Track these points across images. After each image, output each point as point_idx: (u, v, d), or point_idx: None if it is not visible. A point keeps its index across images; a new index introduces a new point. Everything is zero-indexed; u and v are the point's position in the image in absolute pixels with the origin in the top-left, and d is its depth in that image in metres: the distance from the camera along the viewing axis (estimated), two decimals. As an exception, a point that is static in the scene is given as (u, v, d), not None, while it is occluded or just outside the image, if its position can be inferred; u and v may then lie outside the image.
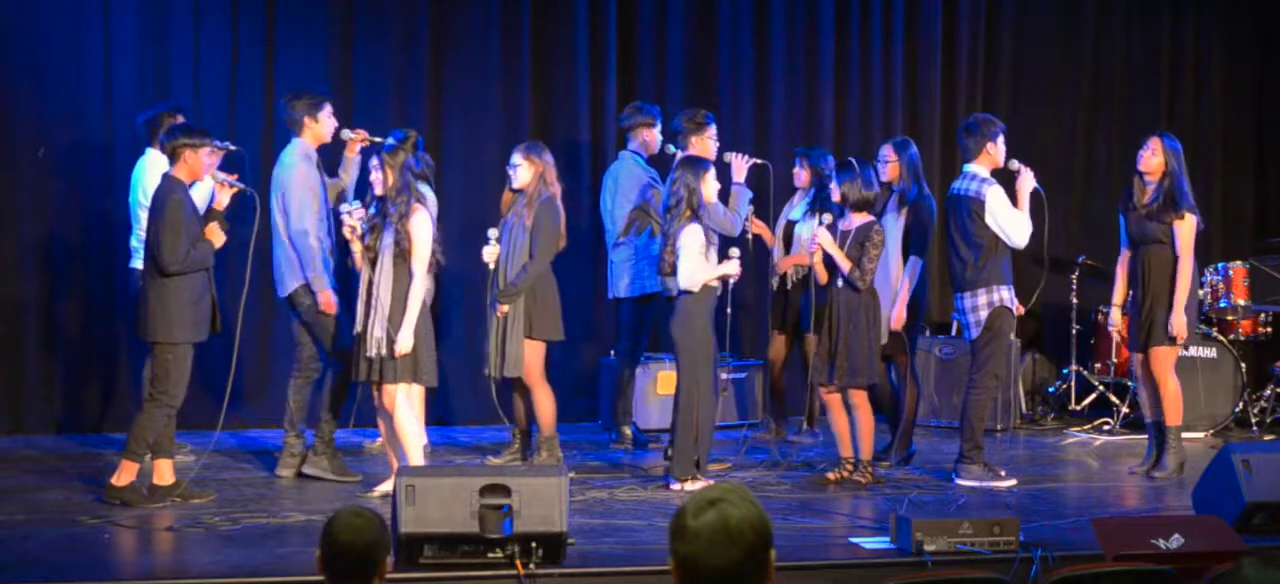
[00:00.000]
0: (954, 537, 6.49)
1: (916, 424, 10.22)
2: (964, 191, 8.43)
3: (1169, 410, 8.65)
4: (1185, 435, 8.91)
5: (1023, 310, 8.76)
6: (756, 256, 10.01)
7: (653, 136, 9.45)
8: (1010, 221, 8.32)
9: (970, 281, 8.38)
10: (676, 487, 8.12)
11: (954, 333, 10.71)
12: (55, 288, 10.05)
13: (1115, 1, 12.00)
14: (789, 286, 9.50)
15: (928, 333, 10.71)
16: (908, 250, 8.78)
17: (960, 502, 7.84)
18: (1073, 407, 10.91)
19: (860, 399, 8.25)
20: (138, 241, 8.50)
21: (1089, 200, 11.94)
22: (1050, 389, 11.23)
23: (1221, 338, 10.40)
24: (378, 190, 7.76)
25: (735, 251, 8.20)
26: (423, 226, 7.66)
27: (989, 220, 8.31)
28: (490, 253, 8.59)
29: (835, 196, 8.32)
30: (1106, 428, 10.46)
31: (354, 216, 7.81)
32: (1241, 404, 10.38)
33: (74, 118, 10.01)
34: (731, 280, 8.27)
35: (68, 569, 6.41)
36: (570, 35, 10.82)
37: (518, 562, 6.16)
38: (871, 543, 6.83)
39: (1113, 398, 10.69)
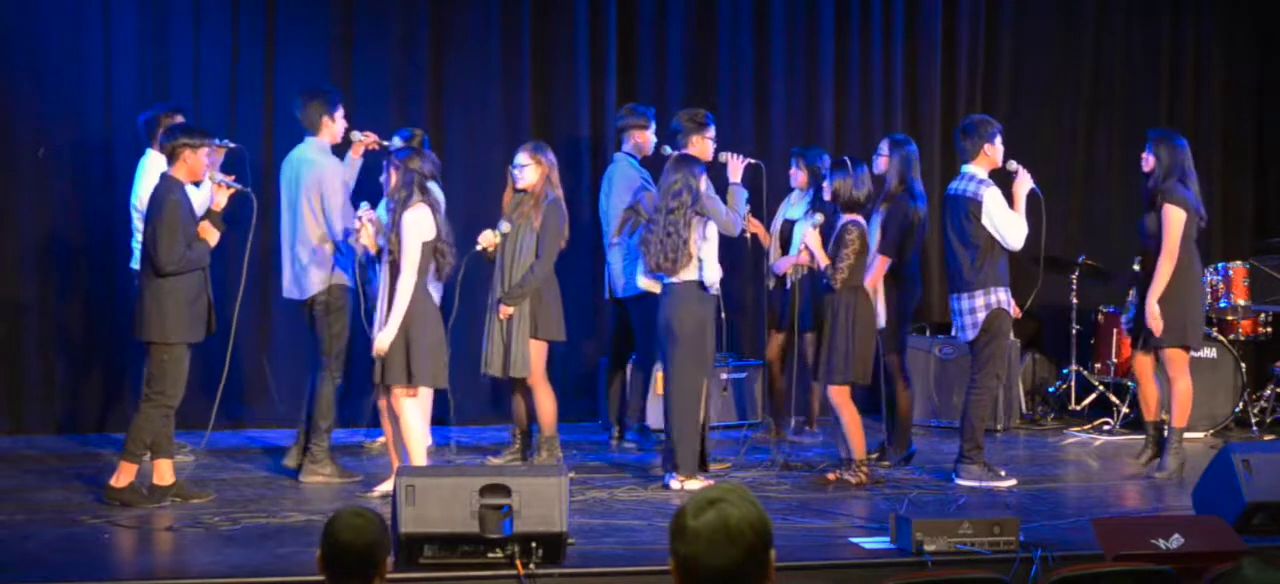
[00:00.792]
0: (954, 537, 6.50)
1: (917, 424, 10.25)
2: (961, 192, 8.43)
3: (1177, 411, 8.65)
4: (1185, 435, 8.90)
5: (1019, 313, 8.76)
6: (754, 256, 10.01)
7: (646, 138, 9.46)
8: (1006, 223, 8.32)
9: (966, 283, 8.38)
10: (676, 484, 8.12)
11: (953, 333, 10.70)
12: (55, 288, 10.05)
13: (1115, 1, 12.00)
14: (789, 286, 9.50)
15: (928, 333, 10.71)
16: (880, 248, 8.72)
17: (960, 502, 7.84)
18: (1073, 407, 10.91)
19: (841, 398, 8.24)
20: (138, 242, 8.50)
21: (1089, 200, 11.94)
22: (1050, 389, 11.22)
23: (1221, 338, 10.40)
24: (386, 192, 7.77)
25: (738, 225, 8.29)
26: (413, 223, 7.59)
27: (985, 222, 8.31)
28: (489, 238, 8.56)
29: (826, 195, 8.33)
30: (1106, 428, 10.46)
31: (365, 219, 7.79)
32: (1241, 404, 10.38)
33: (74, 118, 10.01)
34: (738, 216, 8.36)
35: (68, 569, 6.41)
36: (570, 35, 10.82)
37: (518, 562, 6.16)
38: (871, 543, 6.83)
39: (1113, 398, 10.69)
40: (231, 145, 8.59)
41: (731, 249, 8.42)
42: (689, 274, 8.10)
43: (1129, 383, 10.41)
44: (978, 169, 8.45)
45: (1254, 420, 10.39)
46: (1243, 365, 10.38)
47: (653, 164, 9.56)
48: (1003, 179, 8.54)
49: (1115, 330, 10.58)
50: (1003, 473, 8.52)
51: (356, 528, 4.04)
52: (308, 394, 8.45)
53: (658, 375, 9.84)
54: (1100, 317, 10.92)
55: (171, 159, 7.64)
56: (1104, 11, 11.98)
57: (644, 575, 6.27)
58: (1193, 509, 7.28)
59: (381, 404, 7.91)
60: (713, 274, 8.11)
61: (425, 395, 7.99)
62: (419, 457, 7.69)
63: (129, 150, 9.35)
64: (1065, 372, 11.03)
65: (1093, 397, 10.88)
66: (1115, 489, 8.69)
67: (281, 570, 6.29)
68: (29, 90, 9.93)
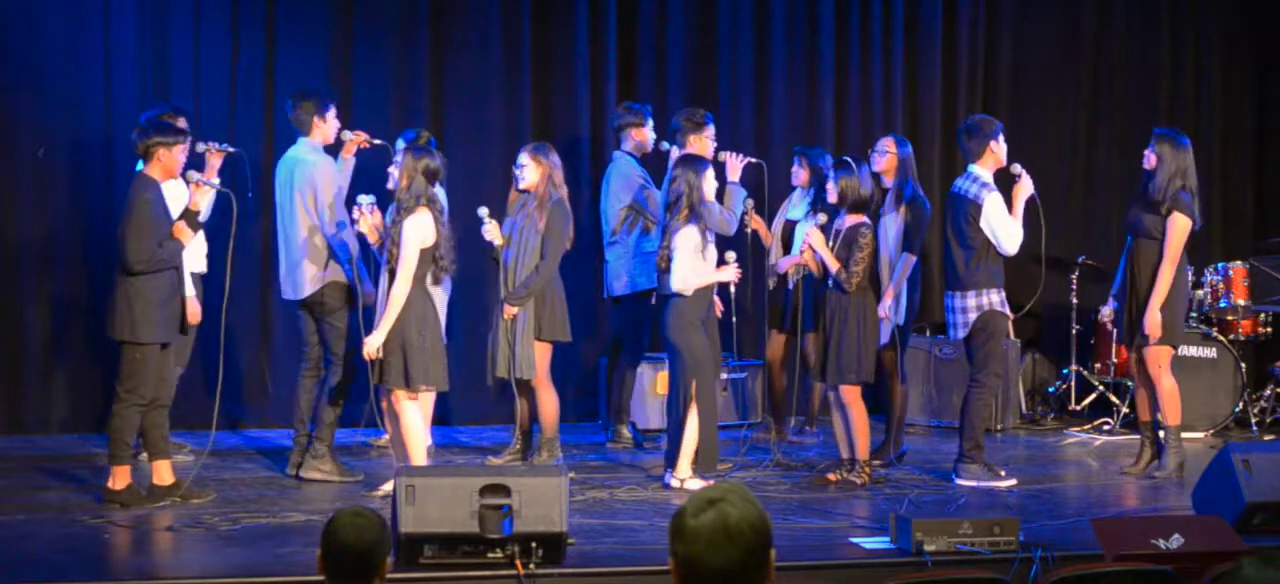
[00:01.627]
0: (954, 537, 6.49)
1: (916, 423, 10.26)
2: (964, 192, 8.44)
3: (1167, 410, 8.65)
4: (1185, 435, 8.91)
5: (1012, 318, 8.76)
6: (754, 256, 10.01)
7: (644, 135, 9.47)
8: (1003, 229, 8.33)
9: (961, 282, 8.40)
10: (676, 484, 8.12)
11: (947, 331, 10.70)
12: (55, 288, 10.05)
13: (1115, 2, 12.00)
14: (790, 286, 9.49)
15: (928, 333, 10.71)
16: (905, 247, 8.76)
17: (960, 502, 7.84)
18: (1073, 407, 10.91)
19: (851, 397, 8.25)
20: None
21: (1089, 200, 11.94)
22: (1050, 389, 11.22)
23: (1221, 338, 10.40)
24: (392, 188, 7.77)
25: (732, 255, 8.22)
26: (413, 230, 7.59)
27: (983, 225, 8.32)
28: (492, 230, 8.56)
29: (831, 195, 8.32)
30: (1106, 428, 10.46)
31: (365, 208, 7.80)
32: (1241, 404, 10.38)
33: (74, 118, 10.01)
34: (732, 286, 8.28)
35: (68, 569, 6.41)
36: (570, 35, 10.82)
37: (518, 562, 6.16)
38: (871, 543, 6.83)
39: (1113, 398, 10.69)
40: (230, 149, 8.59)
41: (732, 248, 8.40)
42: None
43: (1128, 383, 10.42)
44: (983, 170, 8.45)
45: (1254, 420, 10.39)
46: (1243, 365, 10.39)
47: (652, 161, 9.57)
48: (1005, 181, 8.53)
49: (1115, 330, 10.58)
50: (1003, 473, 8.52)
51: (357, 528, 4.04)
52: (316, 397, 8.44)
53: (658, 376, 9.86)
54: (1100, 317, 10.91)
55: (145, 158, 7.63)
56: (1104, 12, 11.98)
57: (644, 575, 6.27)
58: (1193, 509, 7.28)
59: (384, 404, 7.91)
60: (683, 281, 7.99)
61: (425, 397, 7.99)
62: (419, 457, 7.69)
63: (129, 150, 9.28)
64: (1065, 372, 11.03)
65: (1093, 397, 10.89)
66: (1115, 489, 8.69)
67: (281, 570, 6.28)
68: (29, 90, 9.93)
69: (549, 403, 8.76)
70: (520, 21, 10.76)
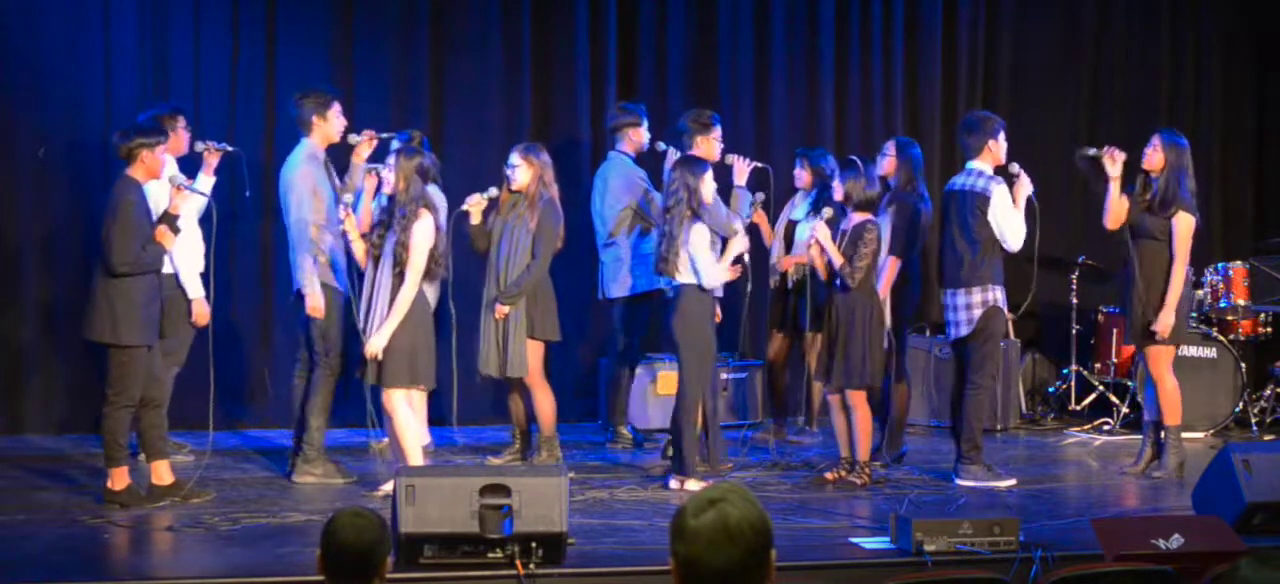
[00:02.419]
0: (954, 537, 6.50)
1: (916, 423, 10.25)
2: (969, 187, 8.43)
3: (1167, 410, 8.64)
4: (1185, 435, 8.90)
5: (1011, 318, 8.77)
6: (756, 255, 10.01)
7: (640, 135, 9.47)
8: (1010, 223, 8.33)
9: (964, 279, 8.39)
10: (678, 485, 8.12)
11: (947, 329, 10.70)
12: (55, 288, 10.04)
13: (1115, 2, 12.00)
14: (790, 286, 9.50)
15: (928, 333, 10.71)
16: (890, 250, 8.74)
17: (960, 502, 7.84)
18: (1073, 407, 10.91)
19: (858, 400, 8.25)
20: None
21: (1089, 200, 11.91)
22: (1050, 389, 11.22)
23: (1221, 338, 10.40)
24: (387, 190, 7.77)
25: (739, 226, 8.23)
26: (423, 234, 7.65)
27: (991, 218, 8.31)
28: (476, 201, 8.57)
29: (837, 195, 8.32)
30: (1106, 428, 10.46)
31: (349, 209, 7.82)
32: (1241, 404, 10.38)
33: (74, 118, 10.01)
34: (744, 257, 8.28)
35: (68, 569, 6.41)
36: (570, 36, 10.82)
37: (518, 562, 6.16)
38: (871, 543, 6.83)
39: (1113, 398, 10.69)
40: (228, 148, 8.59)
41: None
42: (687, 276, 8.09)
43: (1129, 383, 10.42)
44: (984, 165, 8.45)
45: (1254, 420, 10.39)
46: (1243, 365, 10.38)
47: (647, 161, 9.57)
48: (1004, 179, 8.53)
49: (1115, 330, 10.59)
50: (1002, 473, 8.52)
51: (357, 528, 4.05)
52: (302, 396, 8.45)
53: (658, 376, 9.85)
54: (1100, 316, 10.92)
55: (129, 159, 7.62)
56: (1104, 12, 11.98)
57: (644, 575, 6.27)
58: (1193, 509, 7.28)
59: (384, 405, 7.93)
60: (710, 277, 8.09)
61: (418, 395, 8.00)
62: (415, 456, 7.70)
63: (127, 151, 9.35)
64: (1065, 372, 11.03)
65: (1093, 397, 10.88)
66: (1115, 489, 8.69)
67: (281, 570, 6.29)
68: (29, 90, 9.93)
69: (545, 402, 8.77)
70: (520, 21, 10.75)
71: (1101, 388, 10.83)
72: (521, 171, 8.66)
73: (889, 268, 8.59)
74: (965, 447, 8.39)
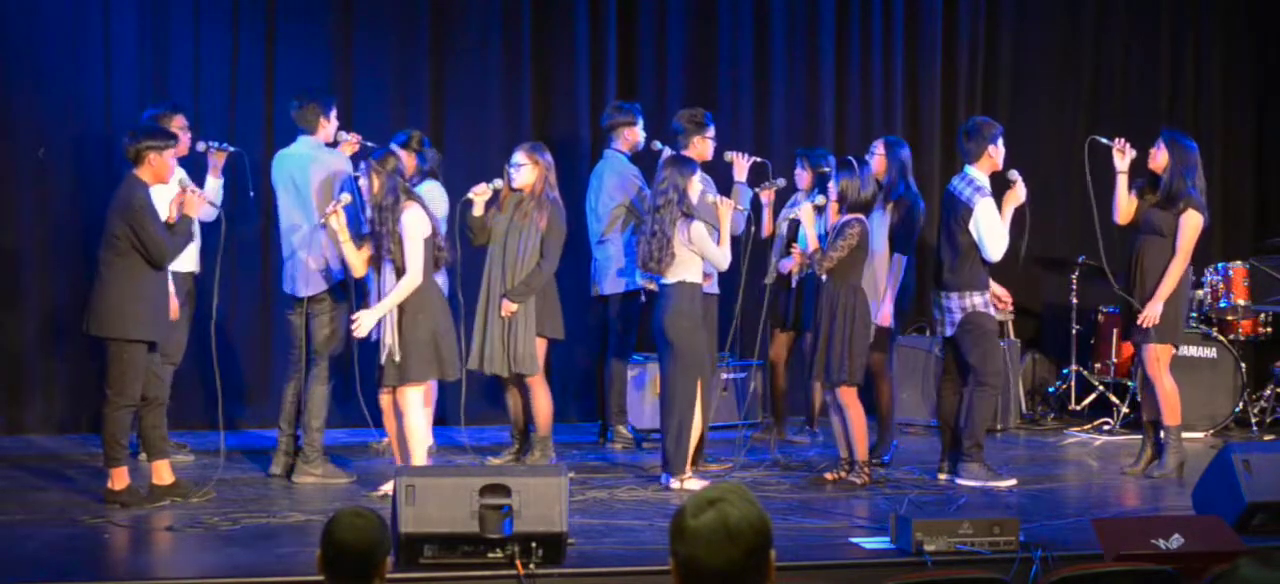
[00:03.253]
0: (954, 537, 6.49)
1: (915, 423, 10.25)
2: (958, 193, 8.46)
3: (1166, 410, 8.64)
4: (1185, 435, 8.90)
5: (1001, 319, 8.78)
6: (755, 255, 10.01)
7: (635, 134, 9.48)
8: (989, 234, 8.35)
9: (946, 283, 8.46)
10: (675, 484, 8.12)
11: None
12: (55, 288, 10.05)
13: (1115, 1, 12.00)
14: (793, 285, 9.50)
15: (928, 333, 10.71)
16: (894, 247, 8.78)
17: (960, 501, 7.84)
18: (1073, 407, 10.91)
19: (849, 398, 8.25)
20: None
21: (1089, 200, 11.89)
22: (1050, 389, 11.22)
23: (1221, 338, 10.40)
24: (365, 196, 7.79)
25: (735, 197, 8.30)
26: (412, 223, 7.66)
27: (971, 228, 8.35)
28: (480, 190, 8.57)
29: (832, 194, 8.33)
30: (1106, 428, 10.46)
31: (339, 206, 7.82)
32: (1241, 404, 10.38)
33: (74, 118, 10.01)
34: (743, 212, 8.38)
35: (68, 569, 6.41)
36: (570, 35, 10.83)
37: (518, 562, 6.16)
38: (871, 543, 6.82)
39: (1113, 398, 10.69)
40: (231, 148, 8.59)
41: (735, 246, 8.41)
42: (677, 274, 8.11)
43: (1128, 383, 10.42)
44: (979, 173, 8.46)
45: (1254, 420, 10.39)
46: (1243, 365, 10.39)
47: (642, 160, 9.58)
48: (1001, 183, 8.54)
49: (1115, 330, 10.59)
50: (1002, 473, 8.52)
51: (357, 528, 4.05)
52: (300, 399, 8.45)
53: (657, 376, 9.84)
54: (1100, 317, 10.92)
55: (136, 162, 7.62)
56: (1104, 12, 11.98)
57: (644, 575, 6.27)
58: (1193, 509, 7.28)
59: (385, 404, 7.93)
60: (724, 259, 8.12)
61: (429, 393, 8.01)
62: (420, 456, 7.71)
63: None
64: (1065, 372, 11.03)
65: (1093, 397, 10.89)
66: (1115, 489, 8.69)
67: (281, 570, 6.28)
68: (29, 90, 9.93)
69: (544, 401, 8.78)
70: (520, 22, 10.76)
71: (1101, 388, 10.83)
72: (525, 170, 8.66)
73: (897, 266, 8.63)
74: (967, 444, 8.39)
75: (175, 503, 7.67)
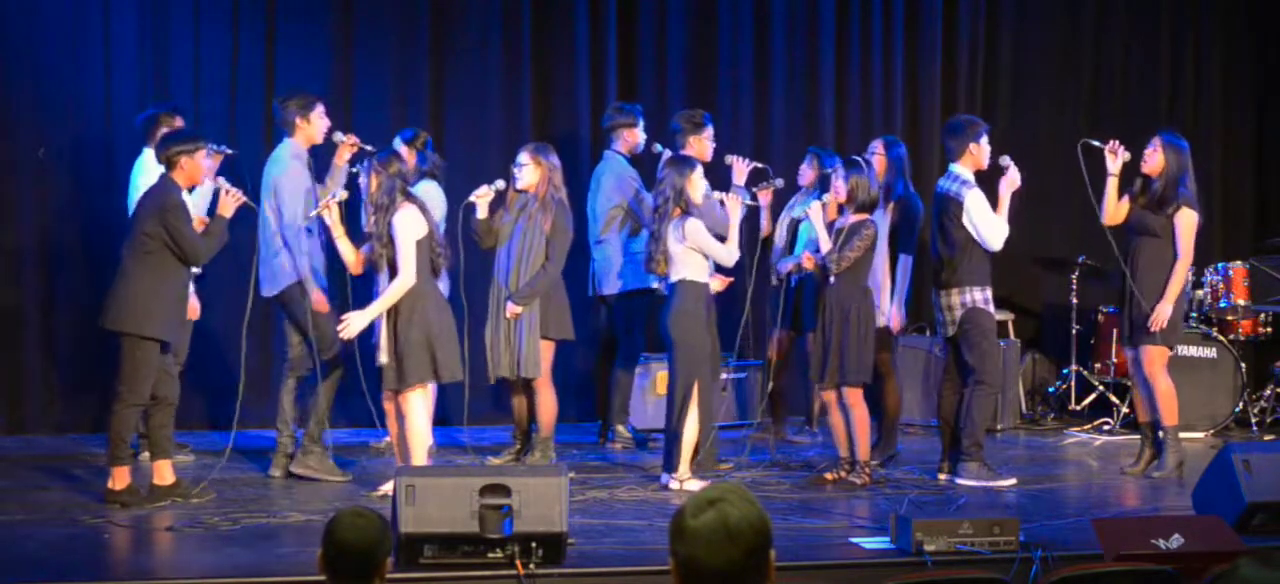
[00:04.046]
0: (954, 537, 6.49)
1: (915, 423, 10.25)
2: (946, 191, 8.48)
3: (1164, 411, 8.64)
4: (1185, 435, 8.90)
5: (1000, 317, 8.78)
6: (755, 254, 10.00)
7: (635, 136, 9.48)
8: (986, 224, 8.34)
9: (944, 281, 8.46)
10: (675, 485, 8.12)
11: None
12: (55, 288, 10.05)
13: (1115, 1, 12.00)
14: (794, 285, 9.50)
15: (928, 332, 10.71)
16: (896, 248, 8.79)
17: (960, 501, 7.84)
18: (1073, 407, 10.91)
19: (855, 398, 8.25)
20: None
21: (1088, 200, 11.90)
22: (1050, 389, 11.22)
23: (1221, 338, 10.40)
24: (364, 196, 7.80)
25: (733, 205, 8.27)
26: (404, 223, 7.66)
27: (965, 221, 8.34)
28: (483, 192, 8.57)
29: (840, 193, 8.32)
30: (1106, 428, 10.46)
31: (331, 202, 7.83)
32: (1241, 404, 10.38)
33: (74, 118, 10.01)
34: (743, 207, 8.40)
35: (68, 569, 6.41)
36: (570, 35, 10.83)
37: (518, 562, 6.16)
38: (871, 543, 6.82)
39: (1113, 398, 10.69)
40: (228, 150, 8.59)
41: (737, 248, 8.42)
42: (678, 273, 8.12)
43: (1128, 383, 10.41)
44: (963, 169, 8.48)
45: (1254, 420, 10.39)
46: (1243, 365, 10.39)
47: (642, 162, 9.58)
48: (994, 174, 8.55)
49: (1115, 330, 10.58)
50: (1002, 473, 8.52)
51: (358, 528, 4.05)
52: (298, 397, 8.46)
53: (658, 375, 9.85)
54: (1100, 317, 10.92)
55: (170, 167, 7.64)
56: (1104, 12, 11.98)
57: (644, 575, 6.27)
58: (1193, 509, 7.28)
59: (388, 407, 7.92)
60: (729, 255, 8.12)
61: (430, 394, 8.01)
62: (420, 457, 7.71)
63: (129, 150, 9.34)
64: (1065, 372, 11.03)
65: (1093, 397, 10.89)
66: (1115, 489, 8.69)
67: (281, 570, 6.28)
68: (29, 90, 9.94)
69: (549, 403, 8.78)
70: (520, 22, 10.76)
71: (1101, 388, 10.83)
72: (529, 171, 8.66)
73: (904, 266, 8.63)
74: (966, 443, 8.39)
75: (176, 503, 7.67)
